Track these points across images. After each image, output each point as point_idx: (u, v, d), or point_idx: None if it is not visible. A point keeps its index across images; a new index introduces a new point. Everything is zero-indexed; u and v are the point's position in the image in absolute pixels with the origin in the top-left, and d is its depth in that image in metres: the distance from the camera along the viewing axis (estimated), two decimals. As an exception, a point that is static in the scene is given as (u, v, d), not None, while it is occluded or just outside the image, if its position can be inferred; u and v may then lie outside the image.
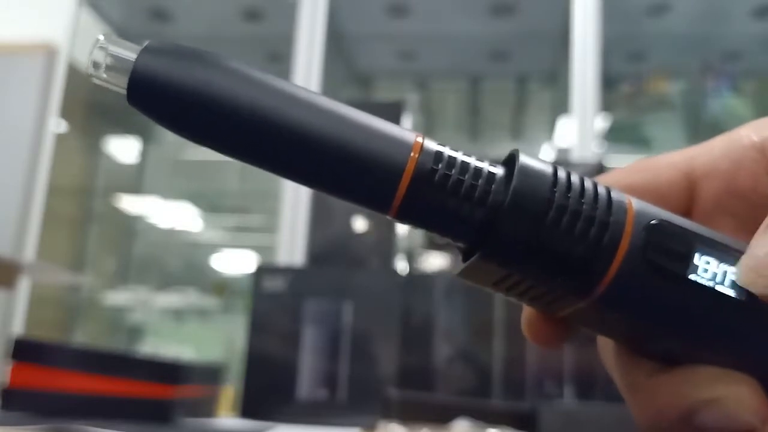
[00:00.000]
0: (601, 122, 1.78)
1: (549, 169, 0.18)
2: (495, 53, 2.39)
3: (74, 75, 2.18)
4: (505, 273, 0.19)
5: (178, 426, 0.59)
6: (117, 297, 2.34)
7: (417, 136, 0.19)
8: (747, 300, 0.18)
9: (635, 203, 0.19)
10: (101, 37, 0.18)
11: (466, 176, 0.18)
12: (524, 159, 0.18)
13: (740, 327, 0.18)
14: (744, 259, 0.18)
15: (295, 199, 1.69)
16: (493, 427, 0.61)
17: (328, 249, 0.96)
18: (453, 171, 0.18)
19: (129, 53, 0.18)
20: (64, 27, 2.15)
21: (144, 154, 2.52)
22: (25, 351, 0.61)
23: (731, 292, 0.18)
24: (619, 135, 2.16)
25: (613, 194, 0.19)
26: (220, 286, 2.37)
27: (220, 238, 2.54)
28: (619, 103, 2.18)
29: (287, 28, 1.89)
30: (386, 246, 0.95)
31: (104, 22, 2.34)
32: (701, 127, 2.16)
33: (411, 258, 0.97)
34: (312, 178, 0.19)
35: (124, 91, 0.18)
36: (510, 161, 0.19)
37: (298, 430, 0.69)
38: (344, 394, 0.81)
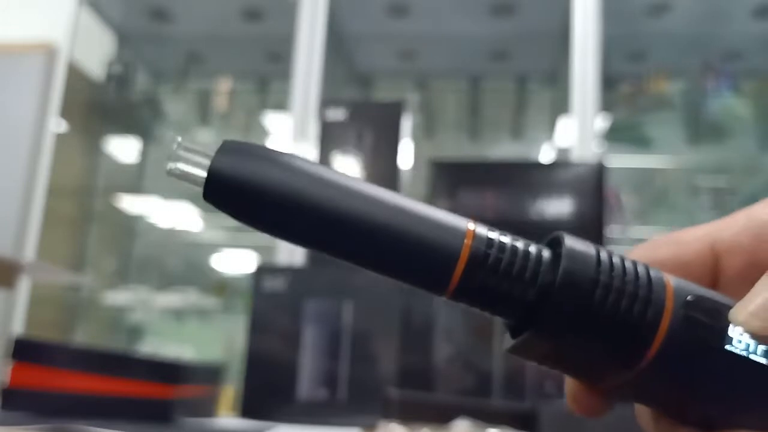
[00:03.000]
0: (601, 122, 1.78)
1: (592, 251, 0.20)
2: (495, 53, 2.40)
3: (74, 75, 2.18)
4: (555, 347, 0.20)
5: (178, 426, 0.59)
6: (117, 297, 2.34)
7: (469, 223, 0.20)
8: None
9: (672, 280, 0.20)
10: (179, 139, 0.19)
11: (517, 259, 0.20)
12: (569, 241, 0.20)
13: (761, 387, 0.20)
14: (741, 303, 0.20)
15: (295, 199, 1.69)
16: (493, 427, 0.61)
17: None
18: (504, 255, 0.20)
19: (205, 155, 0.19)
20: (64, 27, 2.15)
21: (144, 154, 2.52)
22: (25, 351, 0.61)
23: (764, 360, 0.20)
24: (619, 135, 2.16)
25: (652, 272, 0.20)
26: (220, 286, 2.37)
27: (220, 238, 2.54)
28: (619, 103, 2.18)
29: (287, 28, 1.89)
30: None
31: (104, 22, 2.34)
32: (701, 127, 2.16)
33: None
34: (375, 265, 0.20)
35: (200, 188, 0.19)
36: (553, 243, 0.21)
37: (298, 430, 0.69)
38: (344, 394, 0.81)
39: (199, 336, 2.32)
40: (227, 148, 0.19)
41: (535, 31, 2.20)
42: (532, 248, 0.20)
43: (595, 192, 1.01)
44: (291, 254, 1.62)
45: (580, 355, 0.20)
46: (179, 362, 0.65)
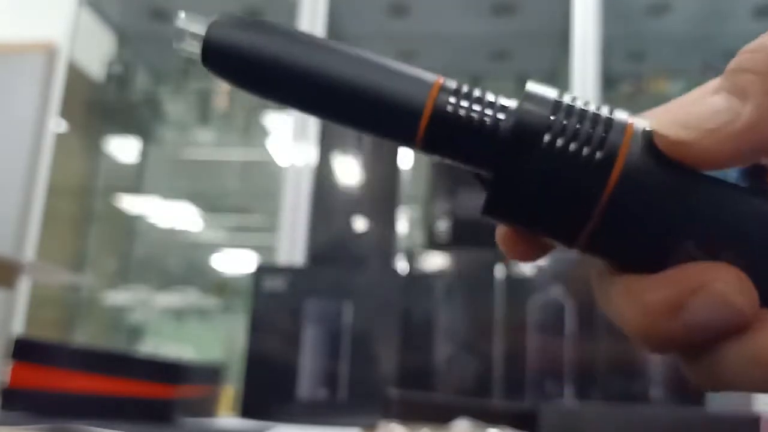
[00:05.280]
0: (601, 122, 1.78)
1: (553, 94, 0.20)
2: (495, 53, 2.40)
3: (74, 75, 2.18)
4: (516, 198, 0.19)
5: (178, 426, 0.59)
6: (117, 297, 2.35)
7: (439, 77, 0.20)
8: (751, 188, 0.19)
9: (636, 119, 0.19)
10: (182, 14, 0.22)
11: (481, 107, 0.20)
12: (531, 86, 0.20)
13: (751, 213, 0.19)
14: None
15: (295, 199, 1.69)
16: (493, 427, 0.61)
17: (328, 249, 0.96)
18: (469, 103, 0.20)
19: (201, 26, 0.22)
20: (64, 27, 2.15)
21: (144, 154, 2.52)
22: (25, 351, 0.61)
23: (736, 181, 0.19)
24: (619, 135, 2.16)
25: (616, 112, 0.19)
26: (220, 286, 2.37)
27: (220, 238, 2.54)
28: (619, 103, 2.18)
29: (287, 28, 1.89)
30: (386, 246, 0.95)
31: (104, 22, 2.34)
32: (701, 127, 2.15)
33: (411, 258, 0.97)
34: (351, 119, 0.21)
35: (198, 57, 0.22)
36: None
37: (298, 430, 0.69)
38: (344, 394, 0.81)
39: (199, 336, 2.32)
40: (218, 21, 0.22)
41: (535, 31, 2.20)
42: (499, 98, 0.20)
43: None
44: (291, 254, 1.62)
45: (540, 201, 0.19)
46: (179, 362, 0.65)
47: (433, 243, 0.98)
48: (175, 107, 2.53)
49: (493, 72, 2.47)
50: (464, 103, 0.20)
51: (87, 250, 2.35)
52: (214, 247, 2.51)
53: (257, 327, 0.85)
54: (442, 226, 1.00)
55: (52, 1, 2.24)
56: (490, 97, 0.20)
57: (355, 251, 0.94)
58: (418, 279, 0.92)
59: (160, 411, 0.60)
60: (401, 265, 0.95)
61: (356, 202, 0.97)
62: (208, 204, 2.51)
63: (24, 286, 1.99)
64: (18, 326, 1.97)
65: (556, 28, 1.99)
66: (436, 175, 1.03)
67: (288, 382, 0.81)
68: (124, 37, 2.42)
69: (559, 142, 0.19)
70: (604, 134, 0.19)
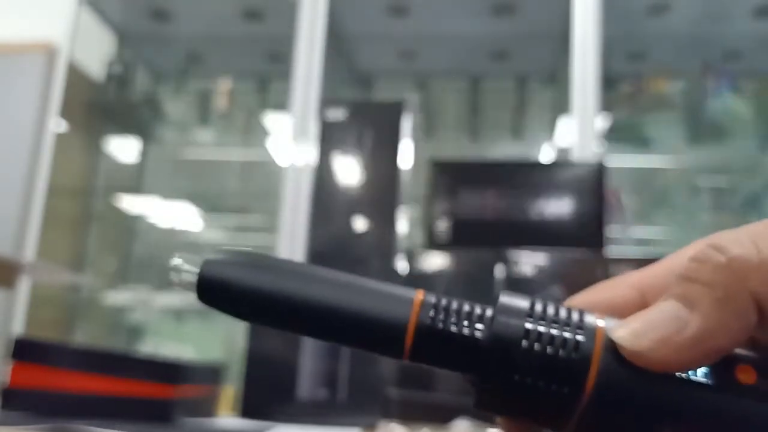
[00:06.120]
0: (601, 122, 1.78)
1: (525, 303, 0.21)
2: (495, 53, 2.40)
3: (74, 75, 2.18)
4: (503, 398, 0.21)
5: (178, 426, 0.59)
6: (117, 297, 2.34)
7: (419, 292, 0.22)
8: (716, 385, 0.20)
9: (605, 321, 0.21)
10: (176, 258, 0.24)
11: (459, 319, 0.22)
12: (504, 297, 0.22)
13: (715, 410, 0.20)
14: (624, 321, 0.21)
15: (295, 199, 1.69)
16: (493, 427, 0.61)
17: (328, 249, 0.96)
18: (447, 317, 0.22)
19: (195, 267, 0.23)
20: (64, 27, 2.15)
21: (144, 154, 2.52)
22: (25, 351, 0.61)
23: (704, 380, 0.20)
24: (619, 135, 2.16)
25: (585, 316, 0.21)
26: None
27: (220, 238, 2.54)
28: (619, 103, 2.18)
29: (287, 28, 1.89)
30: (386, 246, 0.95)
31: (104, 22, 2.34)
32: (701, 127, 2.16)
33: (411, 258, 0.97)
34: (340, 342, 0.23)
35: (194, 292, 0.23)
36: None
37: (298, 430, 0.69)
38: (344, 394, 0.81)
39: (199, 336, 2.32)
40: (211, 260, 0.23)
41: (535, 31, 2.20)
42: (477, 309, 0.22)
43: (595, 192, 1.01)
44: (291, 254, 1.62)
45: (526, 401, 0.21)
46: (179, 362, 0.65)
47: (433, 243, 0.98)
48: (175, 107, 2.53)
49: (493, 72, 2.47)
50: (444, 317, 0.22)
51: (87, 250, 2.34)
52: (214, 247, 2.50)
53: (257, 327, 0.85)
54: (442, 226, 1.00)
55: (52, 1, 2.24)
56: (467, 307, 0.22)
57: (355, 251, 0.94)
58: (418, 279, 0.92)
59: (160, 411, 0.60)
60: (401, 265, 0.95)
61: (356, 202, 0.97)
62: (208, 204, 2.51)
63: (24, 286, 1.99)
64: (18, 326, 1.97)
65: (556, 28, 1.99)
66: (436, 175, 1.04)
67: (288, 382, 0.81)
68: (124, 37, 2.42)
69: (540, 346, 0.20)
70: (576, 340, 0.20)
